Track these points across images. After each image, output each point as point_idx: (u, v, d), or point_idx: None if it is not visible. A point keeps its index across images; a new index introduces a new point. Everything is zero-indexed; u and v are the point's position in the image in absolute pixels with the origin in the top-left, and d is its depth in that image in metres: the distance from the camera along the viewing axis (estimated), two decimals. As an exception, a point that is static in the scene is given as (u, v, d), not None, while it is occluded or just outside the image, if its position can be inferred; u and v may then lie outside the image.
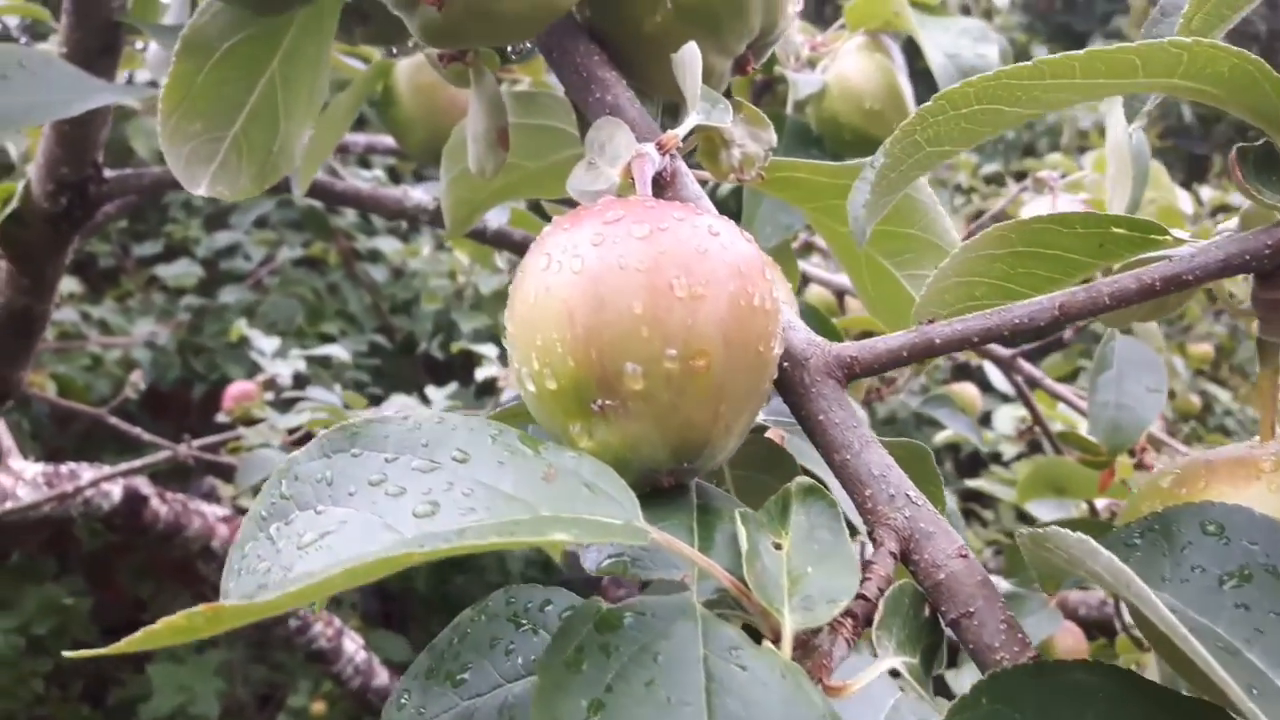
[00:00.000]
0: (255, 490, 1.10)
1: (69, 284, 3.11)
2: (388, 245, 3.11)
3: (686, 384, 0.32)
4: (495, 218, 1.09)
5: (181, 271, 3.04)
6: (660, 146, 0.39)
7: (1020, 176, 3.73)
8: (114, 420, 1.55)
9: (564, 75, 0.45)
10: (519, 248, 1.05)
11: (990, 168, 3.71)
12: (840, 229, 0.53)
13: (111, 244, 3.14)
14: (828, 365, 0.37)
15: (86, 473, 2.19)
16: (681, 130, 0.40)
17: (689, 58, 0.40)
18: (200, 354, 3.20)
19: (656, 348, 0.32)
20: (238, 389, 1.76)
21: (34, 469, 2.10)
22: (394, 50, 0.61)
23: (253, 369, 3.29)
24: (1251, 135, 0.40)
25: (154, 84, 1.30)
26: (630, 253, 0.32)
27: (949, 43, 0.88)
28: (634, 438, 0.33)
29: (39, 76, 0.90)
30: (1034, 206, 1.17)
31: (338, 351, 1.87)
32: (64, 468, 2.17)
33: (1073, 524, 1.02)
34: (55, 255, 1.27)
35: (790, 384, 0.37)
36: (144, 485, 2.16)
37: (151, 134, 2.63)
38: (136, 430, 1.49)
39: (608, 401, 0.32)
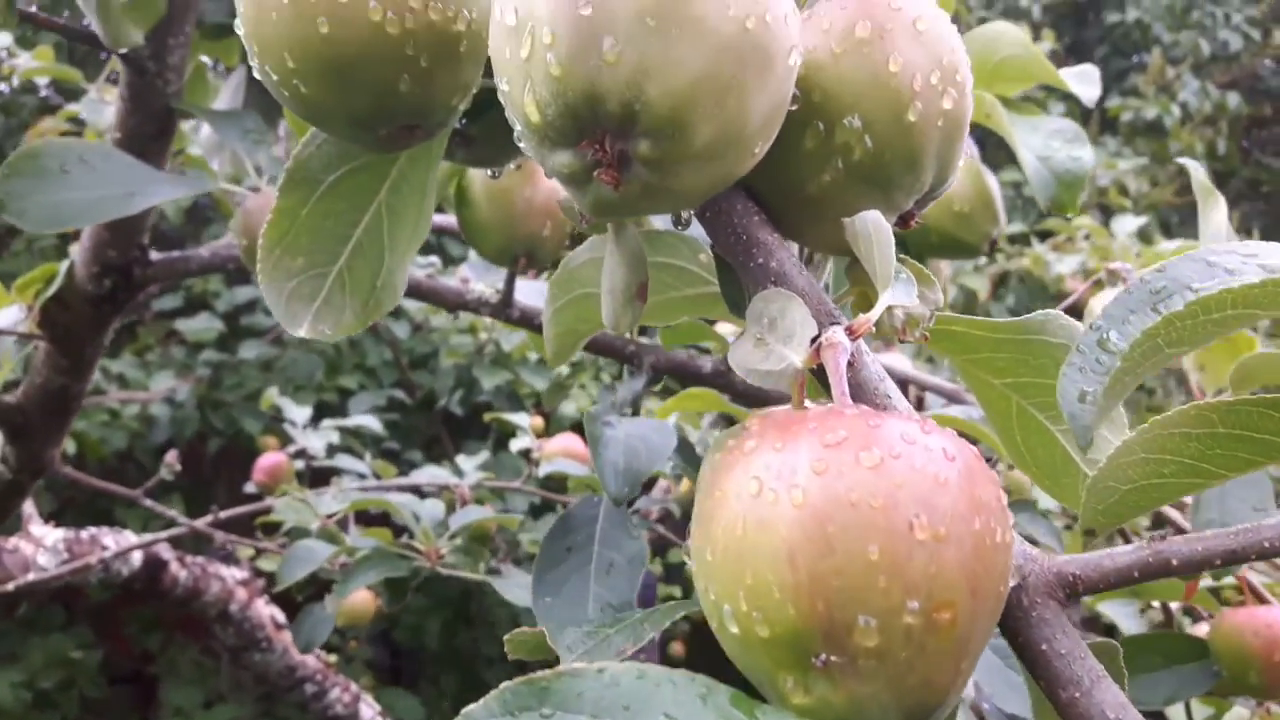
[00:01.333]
0: (298, 584, 1.06)
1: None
2: (409, 301, 3.08)
3: (928, 639, 0.28)
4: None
5: (202, 326, 3.02)
6: (851, 333, 0.35)
7: (1043, 236, 3.70)
8: (149, 503, 1.51)
9: (718, 234, 0.41)
10: (590, 345, 1.01)
11: (1014, 227, 3.69)
12: (993, 380, 0.49)
13: (132, 297, 3.12)
14: (1048, 584, 0.33)
15: (107, 538, 2.15)
16: (874, 314, 0.36)
17: (875, 229, 0.37)
18: (219, 408, 3.16)
19: (895, 599, 0.28)
20: (269, 461, 1.71)
21: (55, 535, 2.06)
22: (495, 173, 0.58)
23: (270, 424, 3.26)
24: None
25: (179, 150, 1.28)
26: (861, 485, 0.29)
27: (1040, 144, 0.85)
28: (861, 699, 0.29)
29: (98, 171, 0.87)
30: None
31: (370, 422, 1.83)
32: (84, 534, 2.12)
33: (1164, 639, 0.97)
34: (95, 336, 1.23)
35: (1006, 606, 0.33)
36: (163, 549, 2.12)
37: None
38: (172, 513, 1.45)
39: (833, 657, 0.28)
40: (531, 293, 1.05)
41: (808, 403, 0.45)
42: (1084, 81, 0.93)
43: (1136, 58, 5.52)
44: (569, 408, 3.25)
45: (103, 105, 2.41)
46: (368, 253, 0.53)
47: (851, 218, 0.38)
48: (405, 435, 3.52)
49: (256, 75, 0.46)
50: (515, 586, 1.08)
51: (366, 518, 1.73)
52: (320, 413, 3.22)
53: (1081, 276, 3.18)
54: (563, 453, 1.81)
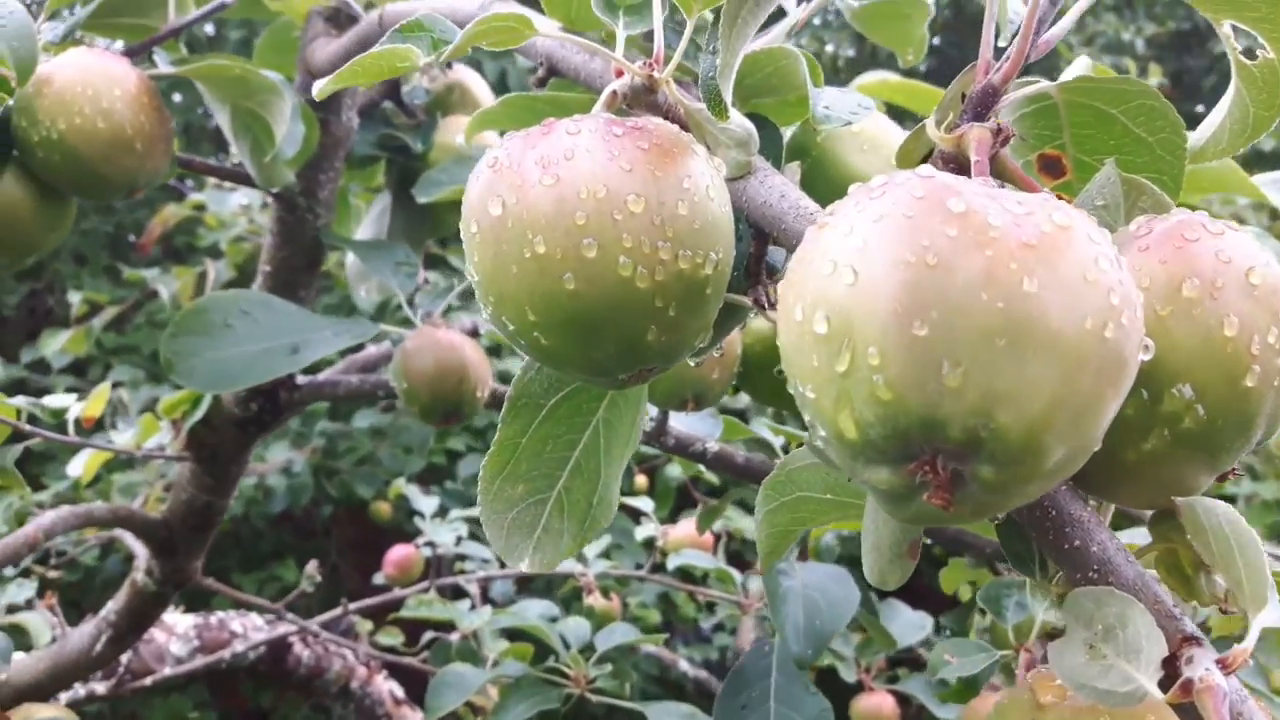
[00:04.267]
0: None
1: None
2: (517, 366, 3.09)
3: None
4: (708, 431, 1.02)
5: (316, 397, 3.06)
6: (1224, 666, 0.31)
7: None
8: (290, 616, 1.51)
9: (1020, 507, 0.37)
10: (740, 471, 0.98)
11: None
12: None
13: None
14: None
15: (234, 622, 2.18)
16: (1250, 641, 0.31)
17: (1233, 529, 0.32)
18: (333, 476, 3.21)
19: None
20: (398, 554, 1.71)
21: (185, 622, 2.10)
22: (698, 363, 0.55)
23: (382, 489, 3.29)
24: None
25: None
26: None
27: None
28: None
29: (260, 323, 0.87)
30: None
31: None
32: (213, 618, 2.16)
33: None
34: (240, 455, 1.24)
35: None
36: (287, 628, 2.14)
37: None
38: (314, 626, 1.45)
39: None
40: (680, 418, 1.02)
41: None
42: (1284, 190, 0.86)
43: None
44: (674, 470, 3.21)
45: (224, 194, 2.48)
46: (585, 471, 0.50)
47: (1190, 502, 0.34)
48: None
49: (486, 318, 0.44)
50: (669, 715, 1.04)
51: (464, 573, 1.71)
52: (429, 476, 3.24)
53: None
54: (689, 543, 1.77)
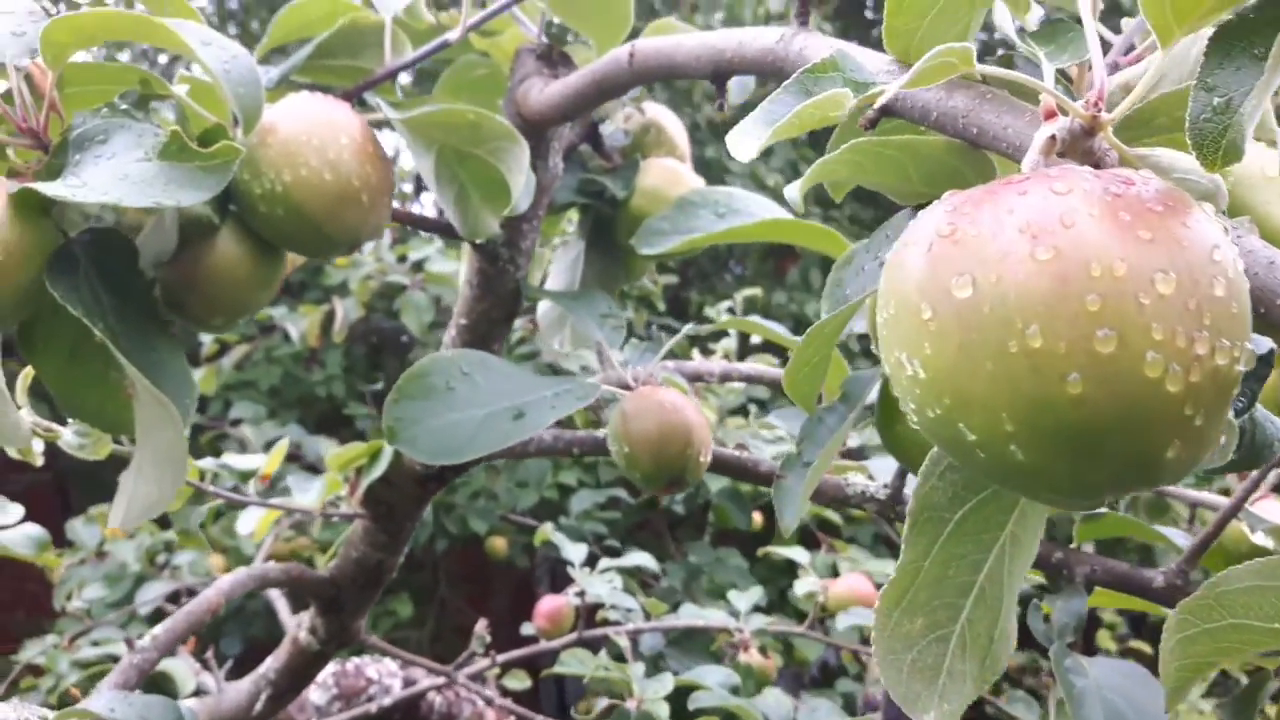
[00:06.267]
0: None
1: (326, 444, 3.13)
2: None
3: None
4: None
5: (436, 435, 3.04)
6: None
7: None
8: (463, 679, 1.45)
9: None
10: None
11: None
12: None
13: (367, 405, 3.18)
14: None
15: (370, 668, 2.14)
16: None
17: None
18: (451, 511, 3.19)
19: None
20: (549, 605, 1.64)
21: (325, 670, 2.06)
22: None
23: (497, 524, 3.25)
24: None
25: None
26: None
27: None
28: None
29: (480, 385, 0.80)
30: None
31: (646, 562, 1.74)
32: (349, 665, 2.12)
33: None
34: (416, 512, 1.18)
35: None
36: (422, 676, 2.10)
37: (421, 309, 2.63)
38: (454, 676, 1.39)
39: None
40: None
41: None
42: None
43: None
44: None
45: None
46: (988, 598, 0.41)
47: None
48: (624, 534, 3.45)
49: (916, 423, 0.35)
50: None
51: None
52: (543, 511, 3.18)
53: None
54: (854, 599, 1.66)
